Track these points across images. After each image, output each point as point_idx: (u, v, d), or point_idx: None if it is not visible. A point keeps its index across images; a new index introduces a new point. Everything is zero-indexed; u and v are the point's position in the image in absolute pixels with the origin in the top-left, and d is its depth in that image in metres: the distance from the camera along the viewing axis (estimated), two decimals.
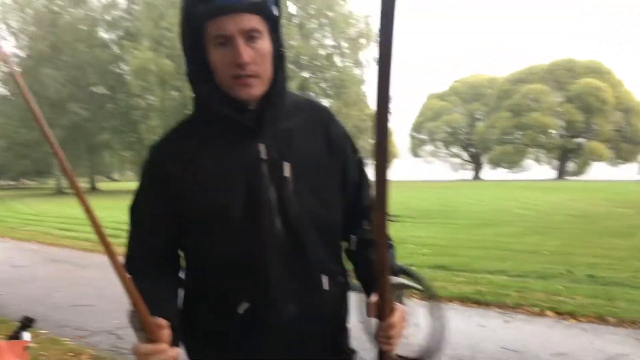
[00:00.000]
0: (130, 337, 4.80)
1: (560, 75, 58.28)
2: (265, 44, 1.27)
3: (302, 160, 1.36)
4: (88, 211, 1.10)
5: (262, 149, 1.33)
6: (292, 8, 37.68)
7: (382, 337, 1.26)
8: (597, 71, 57.95)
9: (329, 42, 40.00)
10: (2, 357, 1.79)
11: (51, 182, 55.10)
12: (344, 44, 39.68)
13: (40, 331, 5.51)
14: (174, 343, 1.22)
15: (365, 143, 36.66)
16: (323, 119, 1.45)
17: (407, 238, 10.54)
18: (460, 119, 67.38)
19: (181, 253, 1.45)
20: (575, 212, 16.26)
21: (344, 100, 37.72)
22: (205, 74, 1.29)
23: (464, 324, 5.46)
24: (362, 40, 39.60)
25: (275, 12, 1.29)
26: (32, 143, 40.72)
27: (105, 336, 5.46)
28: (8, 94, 42.00)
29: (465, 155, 71.76)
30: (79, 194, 1.11)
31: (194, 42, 1.28)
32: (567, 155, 61.62)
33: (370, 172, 1.41)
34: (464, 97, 66.98)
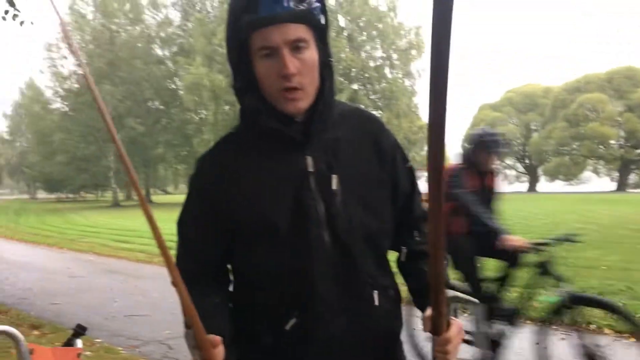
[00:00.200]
0: (180, 347, 4.87)
1: (620, 84, 56.35)
2: (311, 53, 1.25)
3: (351, 172, 1.33)
4: (151, 222, 1.10)
5: (309, 161, 1.31)
6: (341, 21, 37.89)
7: (439, 353, 1.22)
8: None
9: (379, 53, 39.99)
10: None
11: (108, 195, 56.96)
12: (394, 56, 39.59)
13: (96, 340, 5.67)
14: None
15: (417, 155, 36.36)
16: (372, 128, 1.42)
17: None
18: (515, 130, 65.93)
19: (230, 266, 1.45)
20: (636, 225, 15.60)
21: (394, 111, 37.57)
22: (252, 86, 1.28)
23: (517, 342, 5.29)
24: (413, 52, 39.42)
25: (322, 21, 1.27)
26: (91, 157, 42.34)
27: (157, 346, 5.56)
28: (67, 109, 43.72)
29: (520, 167, 70.16)
30: (143, 206, 1.12)
31: (240, 54, 1.27)
32: (628, 167, 59.34)
33: (424, 184, 1.37)
34: (518, 107, 65.56)
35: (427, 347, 4.74)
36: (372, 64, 39.34)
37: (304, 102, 1.27)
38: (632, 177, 60.08)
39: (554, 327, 5.65)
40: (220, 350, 1.18)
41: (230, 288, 1.45)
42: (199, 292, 1.27)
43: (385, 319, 1.40)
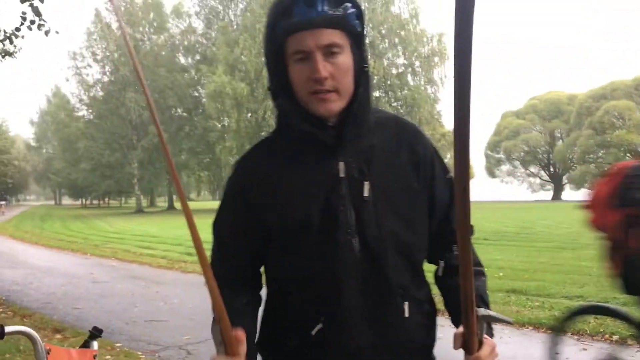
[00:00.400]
0: (199, 352, 4.89)
1: None
2: (345, 59, 1.25)
3: (384, 179, 1.32)
4: (192, 228, 1.10)
5: (341, 166, 1.30)
6: None
7: None
8: None
9: (401, 61, 39.95)
10: None
11: (132, 202, 57.62)
12: (416, 63, 39.50)
13: (116, 344, 5.74)
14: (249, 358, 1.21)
15: None
16: (409, 136, 1.39)
17: (482, 261, 10.23)
18: (539, 138, 65.20)
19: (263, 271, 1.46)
20: None
21: (416, 119, 37.44)
22: (287, 89, 1.29)
23: (537, 351, 5.22)
24: (435, 59, 39.29)
25: (358, 27, 1.27)
26: (115, 164, 42.92)
27: (176, 351, 5.59)
28: (92, 117, 44.43)
29: (544, 175, 69.34)
30: (186, 209, 1.12)
31: (276, 57, 1.28)
32: None
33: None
34: (542, 114, 64.84)
35: None
36: (394, 71, 39.31)
37: (335, 104, 1.26)
38: None
39: (576, 337, 5.58)
40: (243, 347, 1.18)
41: (263, 293, 1.46)
42: (229, 291, 1.28)
43: (417, 333, 1.36)
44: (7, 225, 28.15)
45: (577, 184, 62.21)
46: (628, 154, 56.12)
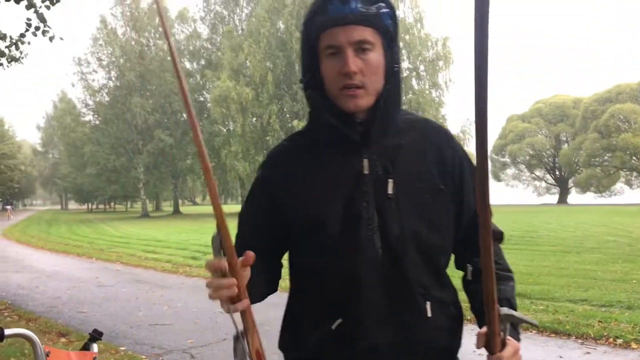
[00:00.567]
0: (203, 356, 4.90)
1: None
2: (376, 56, 1.28)
3: (408, 179, 1.33)
4: (224, 230, 1.08)
5: (365, 163, 1.32)
6: None
7: None
8: None
9: (405, 65, 39.91)
10: None
11: (138, 206, 57.73)
12: (421, 67, 39.47)
13: (120, 348, 5.76)
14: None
15: None
16: (438, 139, 1.41)
17: None
18: (545, 141, 64.97)
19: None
20: None
21: None
22: (318, 83, 1.33)
23: (541, 354, 5.21)
24: (440, 63, 39.24)
25: (390, 27, 1.30)
26: (121, 169, 43.03)
27: (179, 355, 5.61)
28: (98, 122, 44.58)
29: (550, 178, 69.06)
30: (217, 208, 1.07)
31: (310, 52, 1.32)
32: None
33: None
34: (547, 118, 64.61)
35: None
36: None
37: (363, 100, 1.29)
38: None
39: (580, 341, 5.57)
40: (247, 272, 1.15)
41: (280, 285, 1.47)
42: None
43: (439, 334, 1.35)
44: (14, 230, 28.26)
45: (583, 188, 61.95)
46: (634, 157, 55.91)
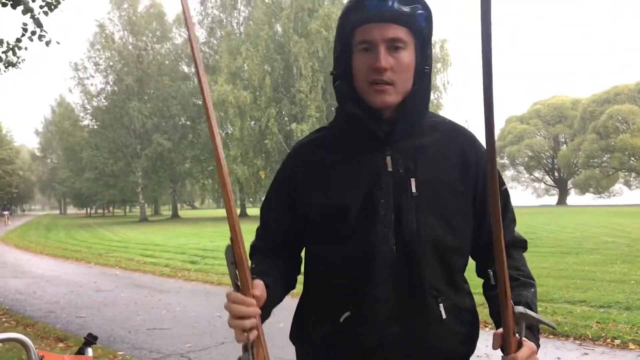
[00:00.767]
0: None
1: None
2: (408, 56, 1.29)
3: (430, 179, 1.33)
4: (238, 243, 1.09)
5: (388, 161, 1.33)
6: None
7: None
8: None
9: None
10: None
11: (136, 210, 57.69)
12: None
13: (118, 352, 5.75)
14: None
15: None
16: (462, 142, 1.41)
17: None
18: (543, 143, 65.03)
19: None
20: None
21: None
22: (348, 77, 1.34)
23: (539, 356, 5.20)
24: (438, 65, 39.29)
25: (425, 29, 1.32)
26: (119, 173, 42.99)
27: (177, 359, 5.60)
28: (96, 126, 44.55)
29: (549, 179, 69.13)
30: (228, 205, 1.09)
31: (343, 46, 1.34)
32: None
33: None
34: (546, 119, 64.69)
35: None
36: None
37: (391, 97, 1.29)
38: None
39: (578, 342, 5.56)
40: (260, 290, 1.17)
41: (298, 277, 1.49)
42: (263, 256, 1.36)
43: (451, 338, 1.34)
44: (12, 235, 28.22)
45: (582, 189, 62.05)
46: (632, 158, 55.98)
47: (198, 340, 6.21)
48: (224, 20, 44.20)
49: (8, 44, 8.50)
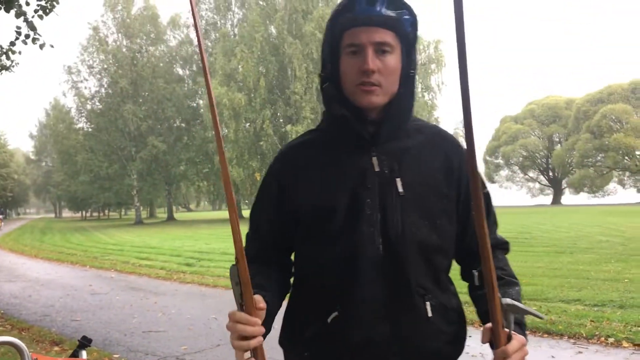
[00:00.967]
0: None
1: None
2: (394, 59, 1.32)
3: (413, 180, 1.36)
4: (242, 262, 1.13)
5: (375, 161, 1.36)
6: None
7: None
8: None
9: None
10: None
11: (131, 213, 57.54)
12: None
13: (114, 355, 5.75)
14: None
15: None
16: (446, 146, 1.44)
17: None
18: (538, 142, 65.21)
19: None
20: None
21: None
22: (335, 79, 1.37)
23: (534, 355, 5.23)
24: (432, 66, 39.37)
25: (411, 34, 1.35)
26: (114, 176, 42.87)
27: None
28: (90, 129, 44.42)
29: (543, 179, 69.31)
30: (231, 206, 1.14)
31: (331, 49, 1.37)
32: None
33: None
34: (540, 119, 64.88)
35: None
36: None
37: (378, 98, 1.32)
38: None
39: (572, 340, 5.59)
40: (261, 313, 1.20)
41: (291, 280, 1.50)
42: (257, 266, 1.34)
43: (438, 338, 1.36)
44: (7, 239, 28.11)
45: (577, 188, 62.23)
46: (626, 157, 56.19)
47: (194, 342, 6.21)
48: (218, 22, 44.18)
49: (2, 47, 8.48)
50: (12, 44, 8.20)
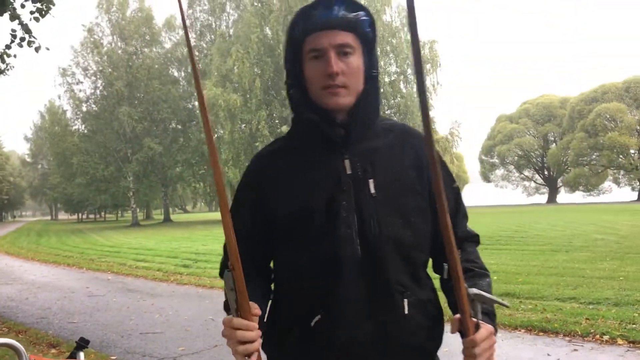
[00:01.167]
0: None
1: (638, 92, 55.70)
2: (356, 60, 1.36)
3: (386, 179, 1.37)
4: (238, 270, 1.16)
5: (347, 164, 1.37)
6: None
7: (466, 357, 1.20)
8: None
9: (393, 69, 40.06)
10: None
11: (128, 215, 57.39)
12: (409, 70, 39.60)
13: (111, 357, 5.76)
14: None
15: None
16: (415, 143, 1.45)
17: None
18: (533, 141, 65.31)
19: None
20: None
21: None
22: (301, 85, 1.39)
23: (529, 353, 5.27)
24: (427, 66, 39.39)
25: (370, 34, 1.38)
26: (110, 178, 42.74)
27: None
28: (86, 131, 44.27)
29: (539, 178, 69.41)
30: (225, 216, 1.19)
31: (294, 56, 1.39)
32: None
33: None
34: (535, 118, 64.97)
35: None
36: (386, 79, 39.42)
37: (345, 99, 1.35)
38: None
39: (567, 338, 5.63)
40: (256, 319, 1.23)
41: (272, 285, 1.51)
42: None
43: (418, 333, 1.38)
44: (3, 242, 28.04)
45: (572, 187, 62.28)
46: (621, 156, 56.37)
47: (191, 343, 6.23)
48: (213, 24, 44.13)
49: None
50: (8, 47, 8.19)
